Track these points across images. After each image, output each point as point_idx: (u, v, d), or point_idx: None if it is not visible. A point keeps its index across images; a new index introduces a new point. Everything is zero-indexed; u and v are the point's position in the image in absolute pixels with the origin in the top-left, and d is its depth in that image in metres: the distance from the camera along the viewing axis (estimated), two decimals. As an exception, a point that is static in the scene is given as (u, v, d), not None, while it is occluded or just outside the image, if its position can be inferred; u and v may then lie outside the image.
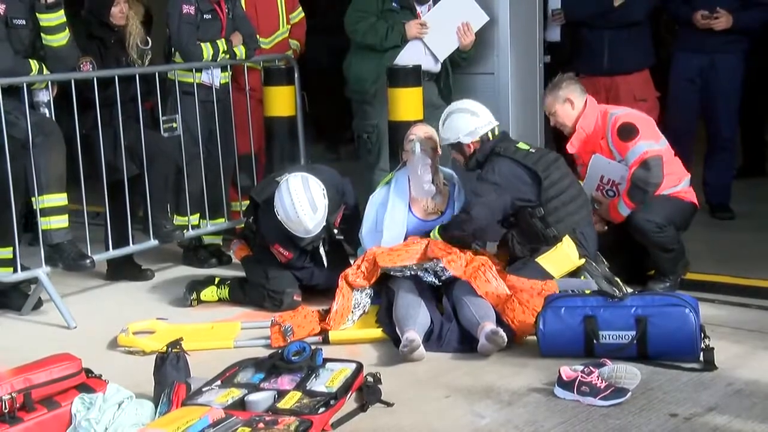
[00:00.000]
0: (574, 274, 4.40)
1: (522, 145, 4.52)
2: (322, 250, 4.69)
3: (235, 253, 4.98)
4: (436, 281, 4.30)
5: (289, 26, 6.15)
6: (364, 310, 4.39)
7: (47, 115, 4.73)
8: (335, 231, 4.74)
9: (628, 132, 4.61)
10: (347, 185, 4.91)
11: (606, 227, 4.78)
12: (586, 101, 4.82)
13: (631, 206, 4.58)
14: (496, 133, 4.57)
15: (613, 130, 4.65)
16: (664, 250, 4.56)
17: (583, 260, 4.37)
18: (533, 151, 4.48)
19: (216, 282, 4.86)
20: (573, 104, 4.80)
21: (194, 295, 4.81)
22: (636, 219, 4.55)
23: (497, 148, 4.47)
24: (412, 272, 4.31)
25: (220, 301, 4.84)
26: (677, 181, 4.69)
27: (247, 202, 5.10)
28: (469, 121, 4.55)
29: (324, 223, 4.58)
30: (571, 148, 4.85)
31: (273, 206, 4.55)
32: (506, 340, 3.88)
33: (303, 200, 4.48)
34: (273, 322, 4.21)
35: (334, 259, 4.76)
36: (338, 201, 4.74)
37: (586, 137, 4.77)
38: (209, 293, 4.84)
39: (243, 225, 5.16)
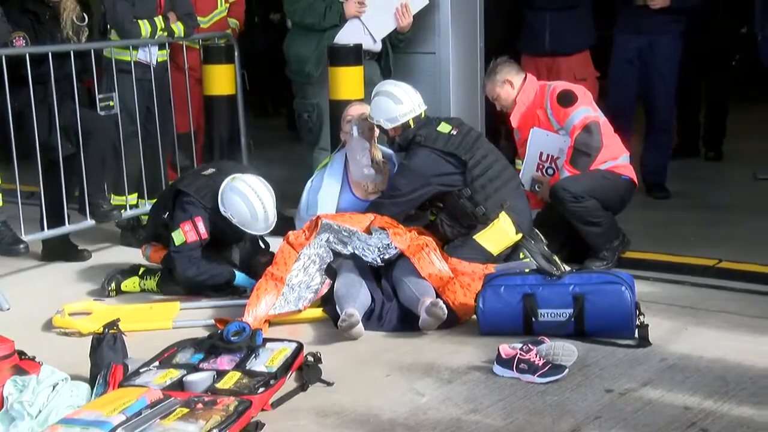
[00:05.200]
0: (513, 250, 4.44)
1: (443, 128, 4.47)
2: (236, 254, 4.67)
3: (150, 257, 4.73)
4: (378, 260, 4.29)
5: (228, 5, 6.09)
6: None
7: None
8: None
9: (567, 98, 4.68)
10: None
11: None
12: (525, 78, 4.86)
13: (574, 174, 4.63)
14: (422, 116, 4.54)
15: (552, 97, 4.72)
16: (585, 223, 4.60)
17: (519, 235, 4.41)
18: (455, 133, 4.46)
19: (140, 273, 4.68)
20: (512, 84, 4.85)
21: (113, 286, 4.62)
22: (554, 187, 4.62)
23: (417, 136, 4.44)
24: (356, 245, 4.28)
25: (144, 291, 4.65)
26: (614, 156, 4.75)
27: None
28: (392, 107, 4.50)
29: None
30: (513, 121, 4.89)
31: (206, 197, 4.45)
32: (446, 312, 3.90)
33: (268, 196, 4.45)
34: None
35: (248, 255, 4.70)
36: None
37: (526, 110, 4.83)
38: (130, 284, 4.65)
39: (144, 226, 4.93)
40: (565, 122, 4.68)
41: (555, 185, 4.61)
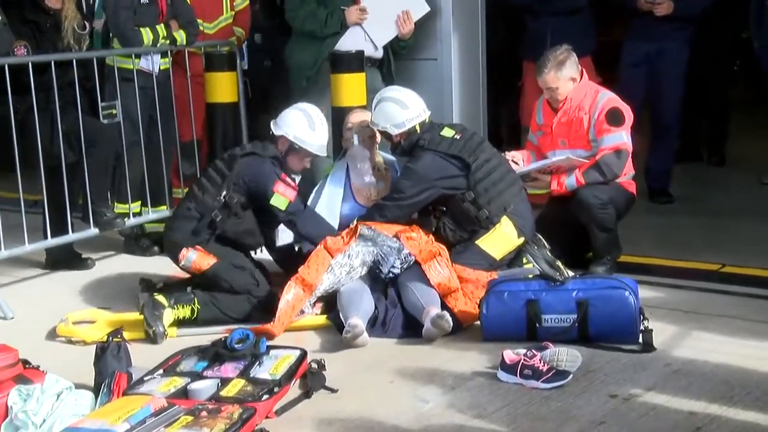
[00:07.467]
0: (516, 255, 4.43)
1: (447, 132, 4.48)
2: None
3: (193, 266, 4.29)
4: (397, 269, 4.24)
5: (233, 13, 6.11)
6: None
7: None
8: None
9: (616, 118, 4.69)
10: None
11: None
12: (581, 73, 4.85)
13: (580, 184, 4.64)
14: (426, 121, 4.54)
15: (603, 109, 4.70)
16: (603, 229, 4.63)
17: (522, 239, 4.41)
18: (458, 137, 4.47)
19: (168, 303, 4.17)
20: (575, 81, 4.80)
21: (163, 329, 4.07)
22: (583, 194, 4.62)
23: (421, 140, 4.45)
24: (390, 258, 4.27)
25: (183, 325, 4.18)
26: (625, 173, 4.78)
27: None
28: (398, 113, 4.49)
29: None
30: (563, 116, 4.80)
31: (270, 149, 4.46)
32: (451, 324, 3.90)
33: (324, 118, 4.58)
34: None
35: None
36: None
37: (575, 110, 4.76)
38: (167, 318, 4.15)
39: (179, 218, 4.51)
40: (601, 137, 4.68)
41: (583, 191, 4.62)
